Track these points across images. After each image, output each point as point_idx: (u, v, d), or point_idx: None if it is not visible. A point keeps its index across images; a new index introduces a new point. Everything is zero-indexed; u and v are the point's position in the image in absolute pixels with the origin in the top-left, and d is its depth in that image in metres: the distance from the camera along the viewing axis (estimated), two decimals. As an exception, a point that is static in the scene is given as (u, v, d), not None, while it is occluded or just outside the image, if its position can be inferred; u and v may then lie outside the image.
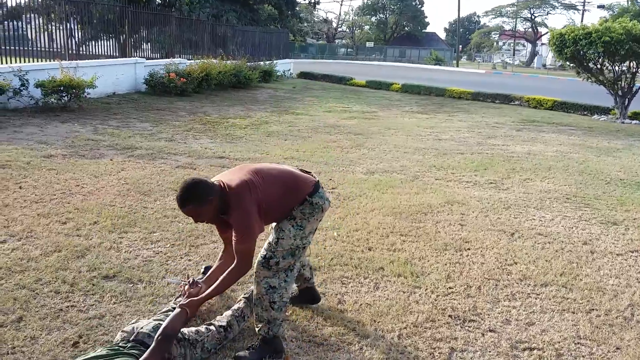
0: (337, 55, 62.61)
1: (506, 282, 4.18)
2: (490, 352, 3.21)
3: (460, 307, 3.74)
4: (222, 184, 2.93)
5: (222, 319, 3.16)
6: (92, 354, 2.70)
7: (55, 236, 4.56)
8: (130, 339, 2.83)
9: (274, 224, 3.10)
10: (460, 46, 69.21)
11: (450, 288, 4.03)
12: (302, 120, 12.39)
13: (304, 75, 25.83)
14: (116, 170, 6.81)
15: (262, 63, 21.39)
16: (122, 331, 2.91)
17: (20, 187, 5.85)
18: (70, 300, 3.53)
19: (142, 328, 2.86)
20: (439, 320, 3.55)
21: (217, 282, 2.97)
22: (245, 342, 3.17)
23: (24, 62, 12.31)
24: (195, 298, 2.99)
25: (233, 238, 2.90)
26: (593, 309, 3.82)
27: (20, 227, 4.71)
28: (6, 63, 11.64)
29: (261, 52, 24.41)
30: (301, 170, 3.18)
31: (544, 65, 60.82)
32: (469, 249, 4.84)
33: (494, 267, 4.45)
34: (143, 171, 6.84)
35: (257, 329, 3.02)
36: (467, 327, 3.48)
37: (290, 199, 2.99)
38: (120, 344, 2.80)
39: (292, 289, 3.31)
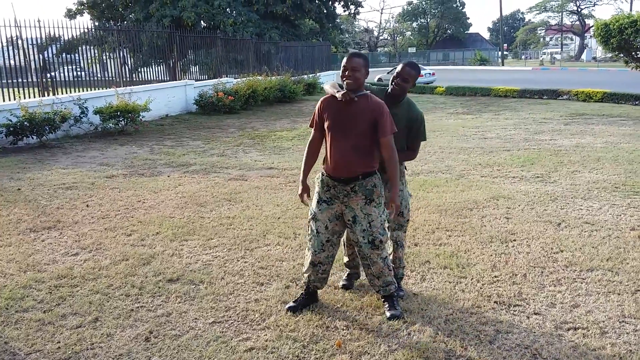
0: (380, 63, 62.65)
1: (552, 269, 4.27)
2: (535, 332, 3.33)
3: (506, 293, 3.86)
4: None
5: None
6: None
7: (122, 247, 4.95)
8: None
9: (358, 211, 3.52)
10: (506, 45, 67.97)
11: (495, 277, 4.15)
12: (347, 128, 12.58)
13: (347, 85, 26.02)
14: (173, 185, 7.23)
15: (305, 76, 21.82)
16: None
17: (87, 206, 6.31)
18: (139, 302, 3.86)
19: None
20: (484, 306, 3.68)
21: (391, 175, 3.52)
22: (382, 309, 3.66)
23: (81, 91, 13.08)
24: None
25: (383, 135, 3.42)
26: (639, 290, 3.87)
27: (90, 241, 5.13)
28: (66, 93, 12.40)
29: (304, 66, 24.87)
30: None
31: (594, 58, 59.13)
32: (514, 240, 4.94)
33: (539, 256, 4.54)
34: (198, 185, 7.23)
35: (390, 292, 3.63)
36: (512, 311, 3.60)
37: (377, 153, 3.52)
38: None
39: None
